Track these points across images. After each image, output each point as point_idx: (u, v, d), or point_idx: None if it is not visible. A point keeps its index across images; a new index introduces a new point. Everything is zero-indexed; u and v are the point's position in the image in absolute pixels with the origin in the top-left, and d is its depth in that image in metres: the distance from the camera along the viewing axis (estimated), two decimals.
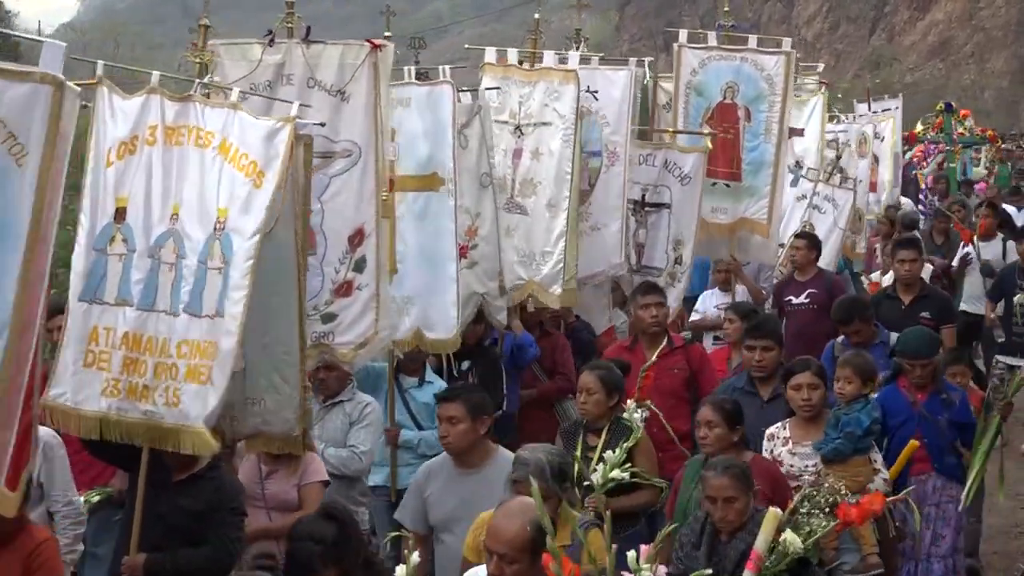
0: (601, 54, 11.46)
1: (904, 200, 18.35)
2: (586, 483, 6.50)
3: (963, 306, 12.46)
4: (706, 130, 10.35)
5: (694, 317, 10.95)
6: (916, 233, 13.59)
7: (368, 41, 7.13)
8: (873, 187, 15.78)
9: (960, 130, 21.98)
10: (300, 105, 6.06)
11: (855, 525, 5.77)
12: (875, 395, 6.97)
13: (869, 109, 16.85)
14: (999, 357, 10.92)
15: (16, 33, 18.16)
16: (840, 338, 8.65)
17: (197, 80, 5.93)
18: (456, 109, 8.07)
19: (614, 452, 6.43)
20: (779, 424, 6.91)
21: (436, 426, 6.51)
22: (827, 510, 5.51)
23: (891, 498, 6.19)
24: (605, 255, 9.66)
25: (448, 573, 5.88)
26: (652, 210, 10.05)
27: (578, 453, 6.79)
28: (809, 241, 10.70)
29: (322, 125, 6.60)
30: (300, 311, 6.00)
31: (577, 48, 11.38)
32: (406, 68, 8.40)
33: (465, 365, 8.68)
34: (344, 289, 7.08)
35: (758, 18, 46.24)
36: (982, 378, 8.91)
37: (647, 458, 6.79)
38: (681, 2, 49.52)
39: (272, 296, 5.90)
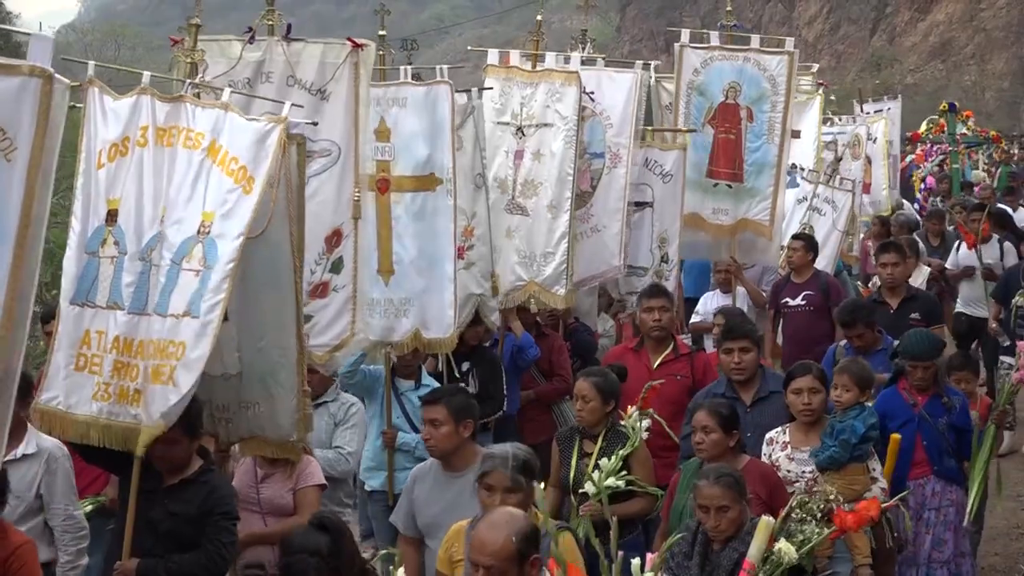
0: (603, 56, 11.42)
1: (904, 203, 18.32)
2: (581, 491, 6.53)
3: (961, 309, 12.45)
4: (708, 130, 10.30)
5: (695, 319, 10.91)
6: (915, 236, 13.56)
7: (349, 40, 7.07)
8: (867, 188, 15.73)
9: (963, 130, 21.95)
10: (292, 105, 5.97)
11: (851, 531, 5.72)
12: (871, 403, 6.87)
13: (861, 110, 16.80)
14: (1003, 358, 10.86)
15: (4, 27, 18.06)
16: (843, 342, 8.57)
17: (187, 80, 5.85)
18: (454, 108, 7.99)
19: (610, 459, 6.48)
20: (779, 428, 6.80)
21: None
22: (820, 516, 5.44)
23: (885, 504, 6.10)
24: (605, 257, 9.64)
25: None
26: (635, 209, 9.97)
27: (574, 460, 6.75)
28: (806, 243, 10.63)
29: (315, 124, 6.53)
30: (298, 314, 5.91)
31: (583, 49, 11.38)
32: (402, 68, 8.34)
33: (465, 367, 8.65)
34: (320, 290, 7.00)
35: (759, 19, 46.26)
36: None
37: (643, 466, 6.71)
38: (682, 3, 49.52)
39: (266, 299, 5.84)
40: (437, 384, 8.08)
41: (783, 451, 6.67)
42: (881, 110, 17.77)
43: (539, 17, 9.82)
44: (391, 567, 5.16)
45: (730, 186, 10.39)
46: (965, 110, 23.52)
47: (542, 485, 5.07)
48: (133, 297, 5.54)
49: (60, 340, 5.59)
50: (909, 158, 21.62)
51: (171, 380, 5.40)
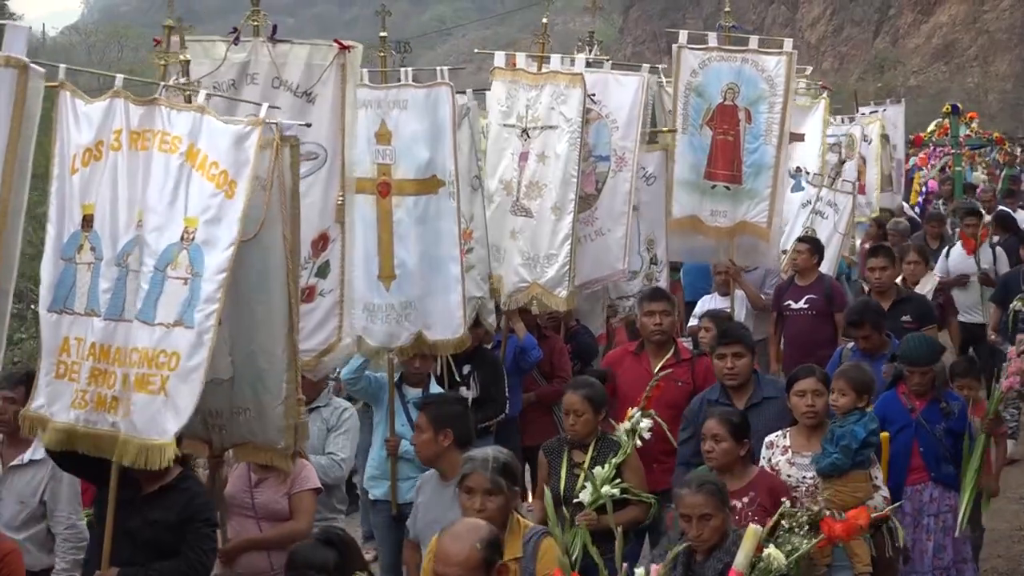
0: (609, 58, 11.38)
1: (906, 207, 18.24)
2: (575, 500, 6.45)
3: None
4: (706, 132, 10.27)
5: (692, 323, 10.87)
6: (918, 241, 13.51)
7: (336, 42, 6.96)
8: (862, 189, 15.67)
9: (966, 132, 21.90)
10: (269, 107, 5.90)
11: (841, 540, 5.64)
12: (870, 409, 6.76)
13: (857, 110, 16.76)
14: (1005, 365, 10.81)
15: None
16: (850, 344, 8.47)
17: (161, 83, 5.78)
18: (456, 110, 7.93)
19: (602, 468, 6.43)
20: (779, 432, 6.70)
21: None
22: (807, 527, 5.39)
23: (875, 514, 6.05)
24: (609, 260, 9.59)
25: None
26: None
27: (563, 471, 6.68)
28: (812, 246, 10.61)
29: (308, 126, 6.45)
30: (290, 319, 5.83)
31: (589, 51, 11.36)
32: (403, 70, 8.29)
33: (466, 370, 8.61)
34: (306, 295, 6.88)
35: (762, 21, 46.26)
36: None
37: (635, 473, 6.65)
38: (685, 5, 49.51)
39: (257, 304, 5.78)
40: (444, 392, 8.03)
41: (783, 455, 6.58)
42: (876, 111, 17.68)
43: (545, 20, 9.80)
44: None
45: (728, 188, 10.29)
46: (969, 112, 23.49)
47: (530, 495, 5.07)
48: (110, 303, 5.49)
49: (42, 348, 5.56)
50: (912, 161, 21.57)
51: (163, 391, 5.35)
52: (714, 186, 10.31)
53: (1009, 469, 10.29)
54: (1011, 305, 10.37)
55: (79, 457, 5.56)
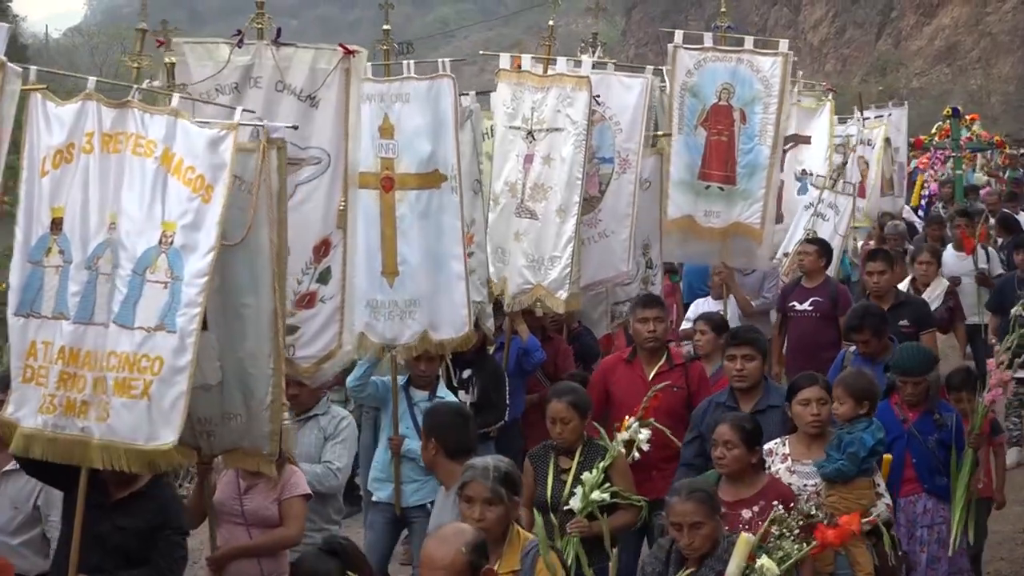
0: (613, 60, 11.35)
1: (906, 209, 18.18)
2: (565, 508, 6.39)
3: None
4: (700, 132, 10.23)
5: (685, 325, 10.81)
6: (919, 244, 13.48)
7: (341, 46, 6.89)
8: (862, 193, 15.62)
9: (967, 135, 21.86)
10: (243, 110, 5.88)
11: (833, 547, 5.58)
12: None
13: (862, 114, 16.69)
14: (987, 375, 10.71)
15: None
16: (852, 348, 8.43)
17: (134, 86, 5.72)
18: (458, 102, 7.89)
19: (591, 473, 6.37)
20: (778, 440, 6.61)
21: None
22: (799, 533, 5.32)
23: (866, 519, 6.00)
24: (613, 262, 9.58)
25: None
26: None
27: (550, 478, 6.60)
28: (819, 247, 10.58)
29: (295, 128, 6.41)
30: (276, 323, 5.79)
31: (593, 53, 11.34)
32: (404, 63, 8.20)
33: (466, 374, 8.59)
34: (307, 301, 6.83)
35: (764, 23, 46.22)
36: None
37: (624, 477, 6.58)
38: (687, 6, 49.49)
39: (245, 308, 5.74)
40: (452, 397, 8.01)
41: (783, 463, 6.48)
42: (882, 116, 17.63)
43: (551, 22, 9.79)
44: None
45: (722, 188, 10.23)
46: (970, 114, 23.45)
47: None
48: (79, 307, 5.45)
49: (10, 352, 5.53)
50: (912, 163, 21.55)
51: (146, 395, 5.34)
52: (708, 186, 10.24)
53: (1013, 472, 10.28)
54: (1013, 310, 10.32)
55: (48, 463, 5.50)
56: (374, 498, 7.93)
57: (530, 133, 9.08)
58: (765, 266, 10.73)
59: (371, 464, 8.16)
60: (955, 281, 12.17)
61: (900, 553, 6.42)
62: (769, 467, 6.46)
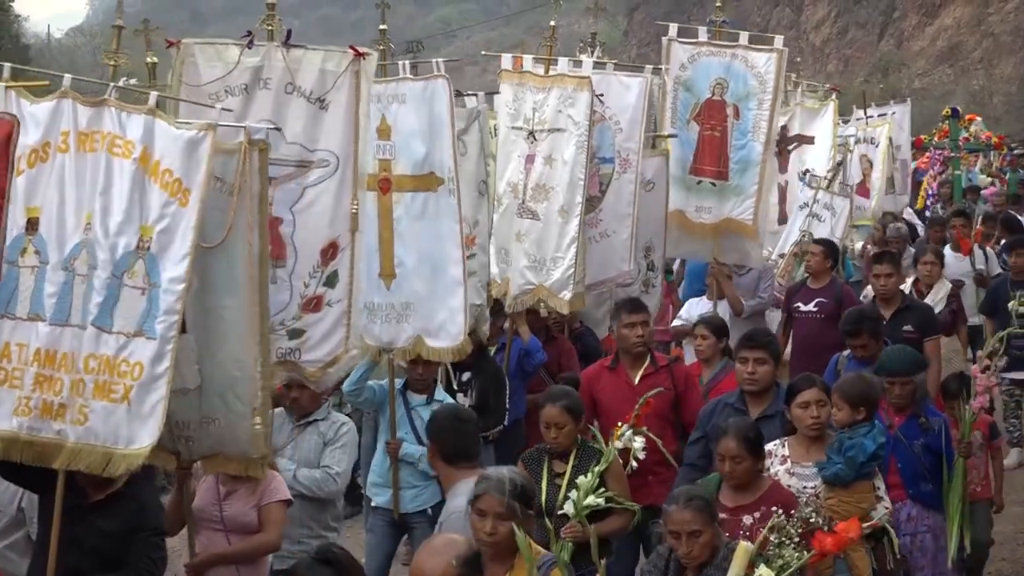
0: (613, 60, 11.35)
1: (907, 211, 18.14)
2: (559, 512, 6.29)
3: None
4: (693, 127, 10.18)
5: (676, 323, 10.80)
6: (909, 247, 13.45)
7: (351, 48, 6.84)
8: (866, 193, 15.61)
9: (965, 135, 21.82)
10: (222, 109, 5.83)
11: (832, 553, 5.51)
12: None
13: (865, 114, 16.67)
14: (1002, 375, 10.69)
15: None
16: (846, 352, 8.33)
17: (111, 84, 5.67)
18: (453, 103, 7.82)
19: (585, 477, 6.27)
20: (777, 441, 6.54)
21: None
22: (799, 540, 5.23)
23: (867, 524, 5.94)
24: (615, 262, 9.56)
25: None
26: None
27: (544, 482, 6.50)
28: (826, 248, 10.53)
29: (277, 129, 6.35)
30: (261, 325, 5.75)
31: (592, 52, 11.32)
32: (400, 63, 8.13)
33: (465, 377, 8.57)
34: (314, 304, 6.77)
35: (766, 23, 46.15)
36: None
37: (619, 482, 6.49)
38: (689, 7, 49.47)
39: (226, 311, 5.68)
40: (450, 400, 7.96)
41: (782, 465, 6.43)
42: (885, 114, 17.61)
43: (552, 23, 9.79)
44: None
45: (714, 184, 10.21)
46: (968, 114, 23.41)
47: None
48: (55, 308, 5.41)
49: None
50: (912, 164, 21.52)
51: (126, 399, 5.32)
52: (700, 182, 10.23)
53: (1014, 473, 10.29)
54: (1009, 305, 10.28)
55: (22, 466, 5.46)
56: (373, 503, 7.89)
57: (531, 133, 9.07)
58: (758, 264, 10.66)
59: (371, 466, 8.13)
60: (958, 284, 12.15)
61: (899, 557, 6.37)
62: (768, 468, 6.41)
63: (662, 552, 5.49)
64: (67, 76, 5.67)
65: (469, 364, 8.58)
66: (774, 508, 5.62)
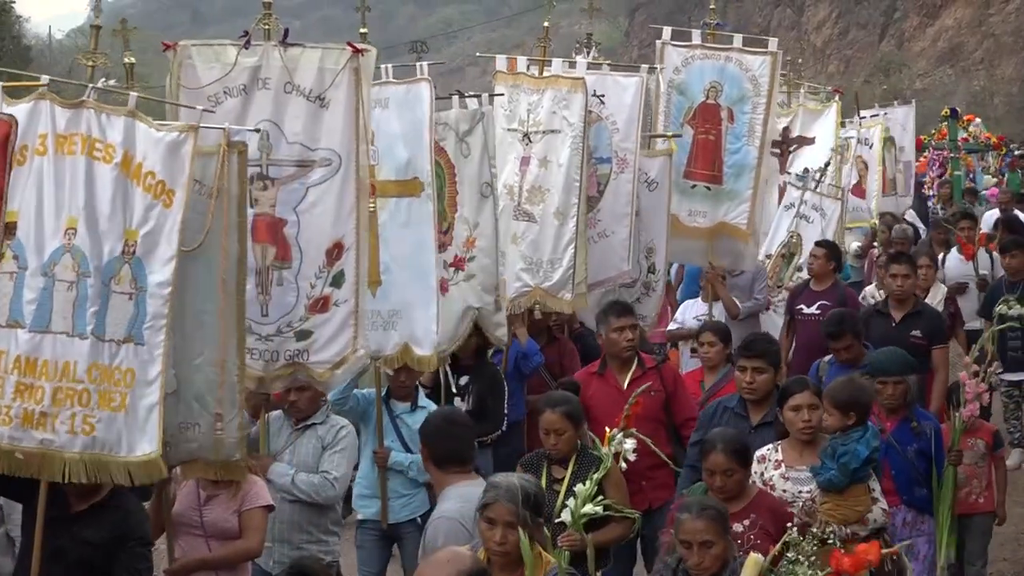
0: (609, 61, 11.33)
1: (909, 213, 18.11)
2: (557, 520, 6.16)
3: None
4: (687, 130, 10.08)
5: (672, 327, 10.73)
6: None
7: (349, 45, 6.76)
8: (862, 194, 15.55)
9: (964, 136, 21.78)
10: (204, 111, 5.75)
11: (848, 574, 5.47)
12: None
13: (859, 115, 16.62)
14: (1001, 376, 10.49)
15: None
16: (827, 357, 8.27)
17: (89, 85, 5.59)
18: (434, 107, 7.68)
19: (584, 484, 6.11)
20: (770, 446, 6.48)
21: None
22: (814, 559, 5.09)
23: (887, 550, 5.76)
24: (614, 262, 9.49)
25: None
26: None
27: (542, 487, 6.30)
28: (828, 250, 10.48)
29: (256, 131, 6.28)
30: (240, 329, 5.70)
31: (587, 53, 11.31)
32: (383, 67, 8.00)
33: (463, 381, 8.46)
34: (320, 305, 6.70)
35: (767, 23, 46.15)
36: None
37: (618, 489, 6.40)
38: (691, 8, 49.47)
39: (205, 315, 5.62)
40: (434, 406, 7.84)
41: (776, 470, 6.36)
42: (877, 115, 17.55)
43: (546, 23, 9.74)
44: None
45: (708, 188, 10.14)
46: (968, 115, 23.37)
47: None
48: (35, 314, 5.31)
49: None
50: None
51: (123, 407, 5.29)
52: (694, 186, 10.16)
53: (1016, 474, 10.26)
54: (995, 309, 10.23)
55: (3, 476, 5.36)
56: (360, 516, 7.71)
57: (526, 135, 9.03)
58: (752, 267, 10.58)
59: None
60: (959, 288, 12.07)
61: (895, 558, 6.23)
62: (762, 474, 6.36)
63: (670, 563, 5.36)
64: (44, 77, 5.59)
65: (467, 368, 8.50)
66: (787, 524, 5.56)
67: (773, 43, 10.41)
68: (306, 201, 6.67)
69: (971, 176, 21.60)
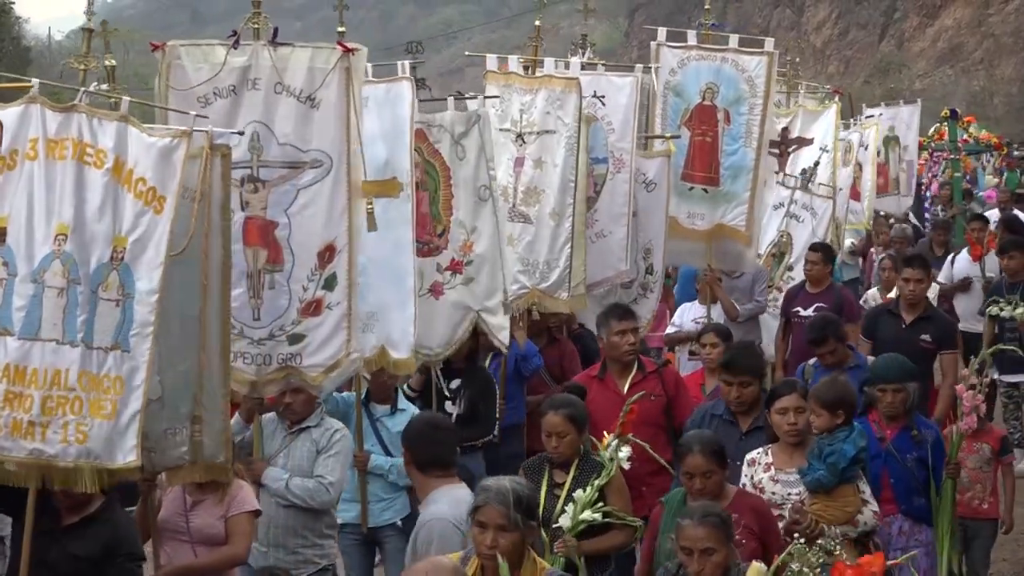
0: (604, 61, 11.30)
1: (910, 214, 18.08)
2: (555, 525, 6.12)
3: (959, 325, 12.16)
4: (684, 133, 10.06)
5: (670, 330, 10.67)
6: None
7: (339, 44, 6.68)
8: (857, 196, 15.50)
9: (964, 137, 21.74)
10: (196, 115, 5.69)
11: None
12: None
13: (853, 114, 16.57)
14: (1000, 378, 10.57)
15: None
16: (811, 361, 8.26)
17: (81, 88, 5.54)
18: (416, 106, 7.59)
19: (584, 490, 6.13)
20: (760, 449, 6.48)
21: None
22: (819, 570, 4.96)
23: (891, 562, 5.81)
24: (611, 262, 9.49)
25: None
26: None
27: (543, 492, 6.29)
28: (823, 253, 10.46)
29: (240, 134, 6.21)
30: (225, 334, 5.66)
31: (583, 53, 11.28)
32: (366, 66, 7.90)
33: (455, 384, 8.38)
34: (313, 308, 6.64)
35: (767, 24, 46.16)
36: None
37: (620, 496, 6.32)
38: (691, 8, 49.47)
39: (189, 320, 5.57)
40: (415, 409, 7.77)
41: (766, 472, 6.35)
42: (872, 115, 17.51)
43: (537, 22, 9.70)
44: None
45: (706, 190, 10.11)
46: (967, 116, 23.33)
47: None
48: (24, 322, 5.25)
49: None
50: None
51: (113, 415, 5.24)
52: (691, 188, 10.13)
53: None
54: (988, 310, 10.19)
55: None
56: (340, 521, 7.59)
57: (519, 136, 8.99)
58: (753, 268, 10.55)
59: None
60: (964, 284, 12.07)
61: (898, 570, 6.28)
62: (752, 477, 6.36)
63: (670, 568, 5.30)
64: (35, 81, 5.54)
65: (459, 372, 8.41)
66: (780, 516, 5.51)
67: (769, 43, 10.38)
68: (297, 203, 6.61)
69: (968, 178, 21.57)
